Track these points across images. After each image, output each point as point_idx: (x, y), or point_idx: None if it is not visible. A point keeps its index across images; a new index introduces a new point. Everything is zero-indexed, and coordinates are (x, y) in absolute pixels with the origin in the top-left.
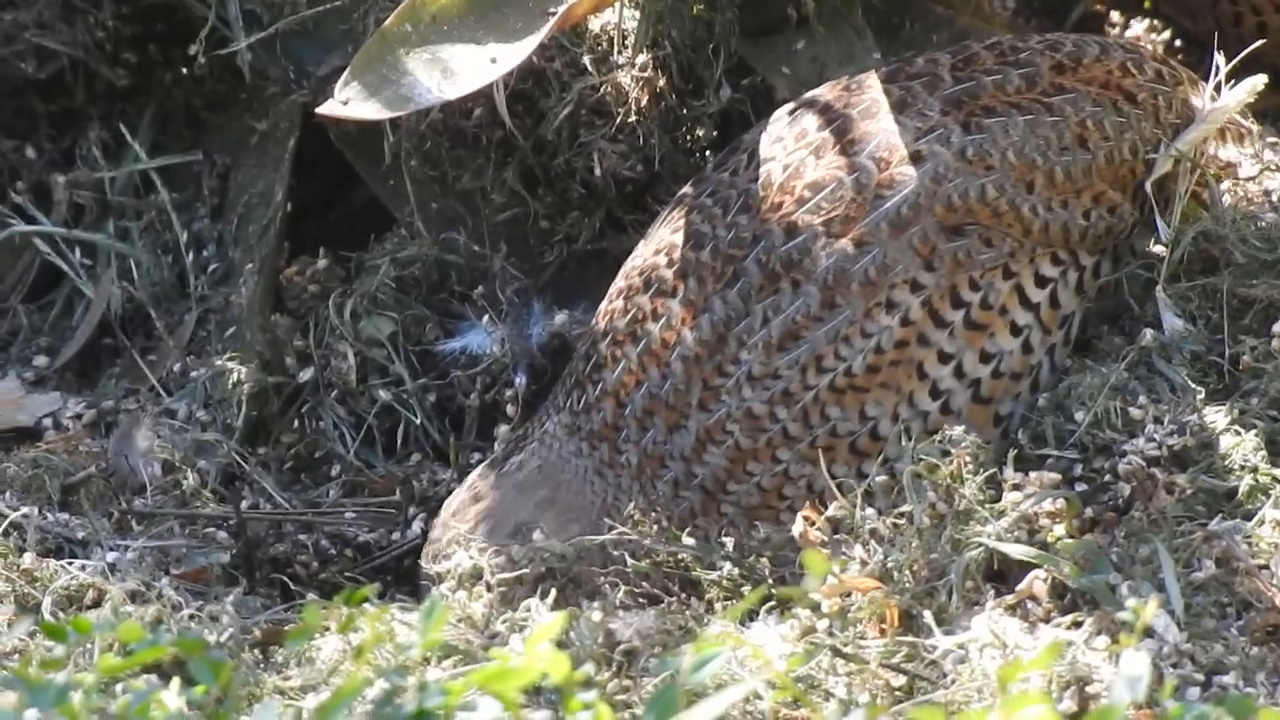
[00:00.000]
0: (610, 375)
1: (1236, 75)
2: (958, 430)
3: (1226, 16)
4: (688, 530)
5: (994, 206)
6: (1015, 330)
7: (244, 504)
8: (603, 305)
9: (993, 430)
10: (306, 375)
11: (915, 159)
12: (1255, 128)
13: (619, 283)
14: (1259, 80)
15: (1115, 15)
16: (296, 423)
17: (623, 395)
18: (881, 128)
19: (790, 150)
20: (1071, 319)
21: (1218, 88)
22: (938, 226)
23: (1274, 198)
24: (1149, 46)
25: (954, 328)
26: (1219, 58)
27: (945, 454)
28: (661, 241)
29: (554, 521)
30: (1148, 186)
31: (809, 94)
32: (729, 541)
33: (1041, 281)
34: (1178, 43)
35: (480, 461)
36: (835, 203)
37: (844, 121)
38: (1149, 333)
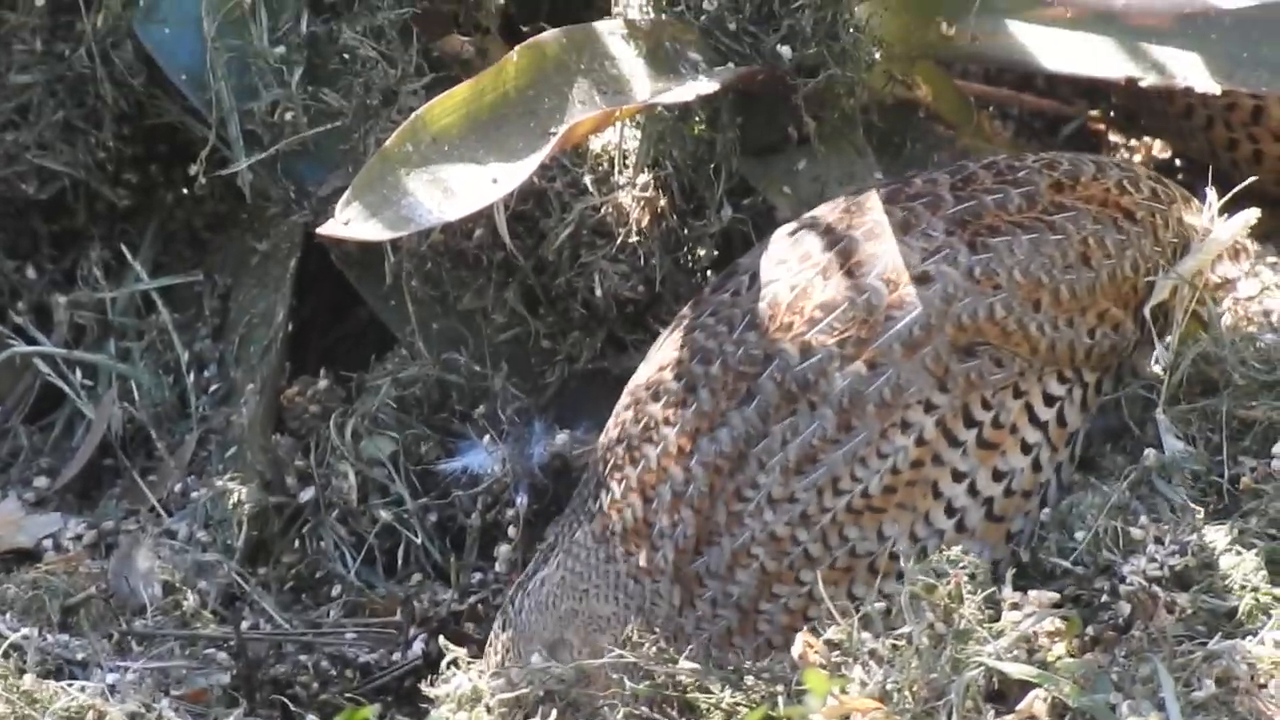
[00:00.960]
0: (633, 472)
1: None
2: (955, 550)
3: (1221, 141)
4: (725, 649)
5: (1002, 325)
6: (1025, 448)
7: (244, 624)
8: (610, 421)
9: (1005, 548)
10: (307, 495)
11: (923, 280)
12: (1253, 246)
13: (625, 399)
14: (1253, 214)
15: (1114, 136)
16: (297, 543)
17: (648, 491)
18: (887, 249)
19: (796, 271)
20: (1076, 436)
21: (1212, 220)
22: (949, 346)
23: (1273, 318)
24: (1144, 166)
25: (967, 447)
26: (1211, 193)
27: (943, 574)
28: (666, 358)
29: (580, 634)
30: (1146, 311)
31: (808, 214)
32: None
33: (1049, 400)
34: (1177, 161)
35: (481, 581)
36: (848, 324)
37: (848, 243)
38: (1151, 453)
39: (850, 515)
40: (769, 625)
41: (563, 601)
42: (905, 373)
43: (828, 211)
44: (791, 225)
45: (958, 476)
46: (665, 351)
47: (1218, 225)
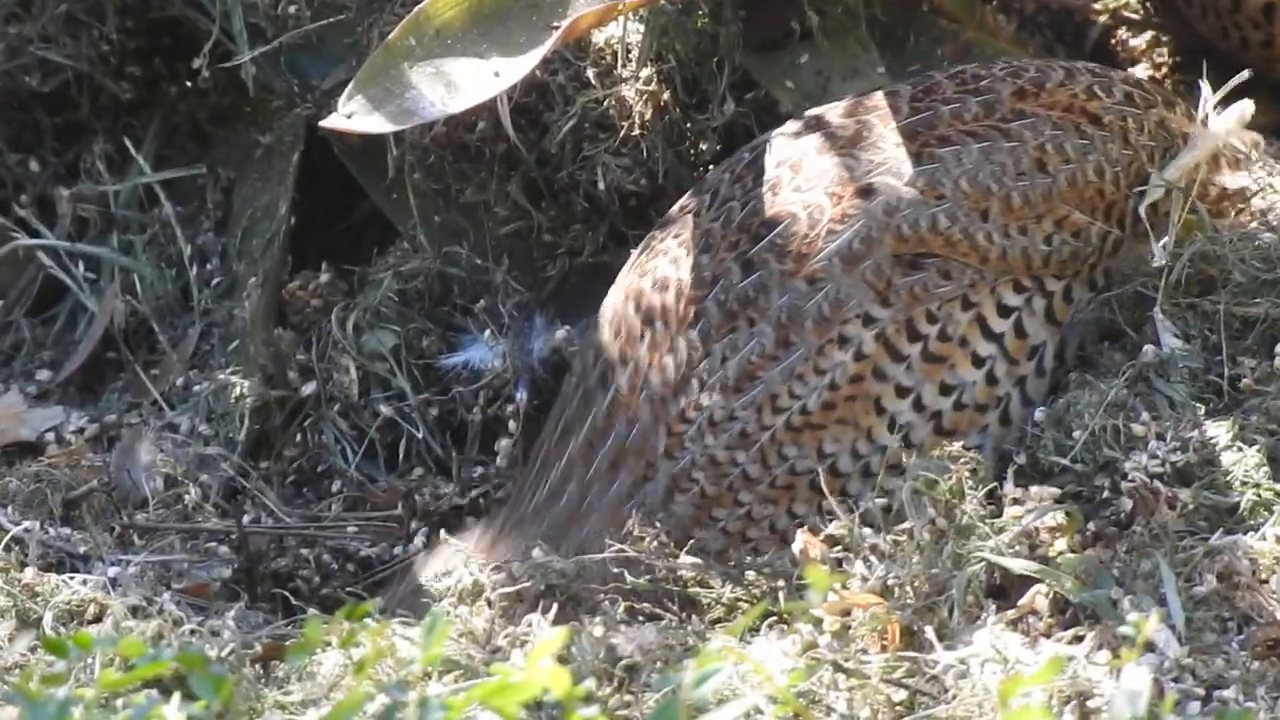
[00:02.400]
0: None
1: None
2: (957, 446)
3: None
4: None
5: (947, 235)
6: (977, 361)
7: (246, 518)
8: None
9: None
10: (309, 389)
11: (866, 193)
12: (1257, 141)
13: (605, 313)
14: (1248, 106)
15: (1122, 32)
16: (299, 437)
17: (595, 442)
18: (835, 162)
19: (749, 189)
20: (1043, 349)
21: (1206, 116)
22: (892, 259)
23: (1270, 217)
24: (1141, 70)
25: (911, 361)
26: (1206, 88)
27: (944, 470)
28: (630, 285)
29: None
30: (1141, 210)
31: (776, 130)
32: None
33: (1005, 311)
34: (1176, 59)
35: (482, 476)
36: (789, 239)
37: (799, 159)
38: (1149, 350)
39: (790, 433)
40: (699, 552)
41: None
42: (845, 287)
43: (791, 126)
44: (752, 143)
45: (902, 392)
46: (630, 277)
47: (1212, 120)
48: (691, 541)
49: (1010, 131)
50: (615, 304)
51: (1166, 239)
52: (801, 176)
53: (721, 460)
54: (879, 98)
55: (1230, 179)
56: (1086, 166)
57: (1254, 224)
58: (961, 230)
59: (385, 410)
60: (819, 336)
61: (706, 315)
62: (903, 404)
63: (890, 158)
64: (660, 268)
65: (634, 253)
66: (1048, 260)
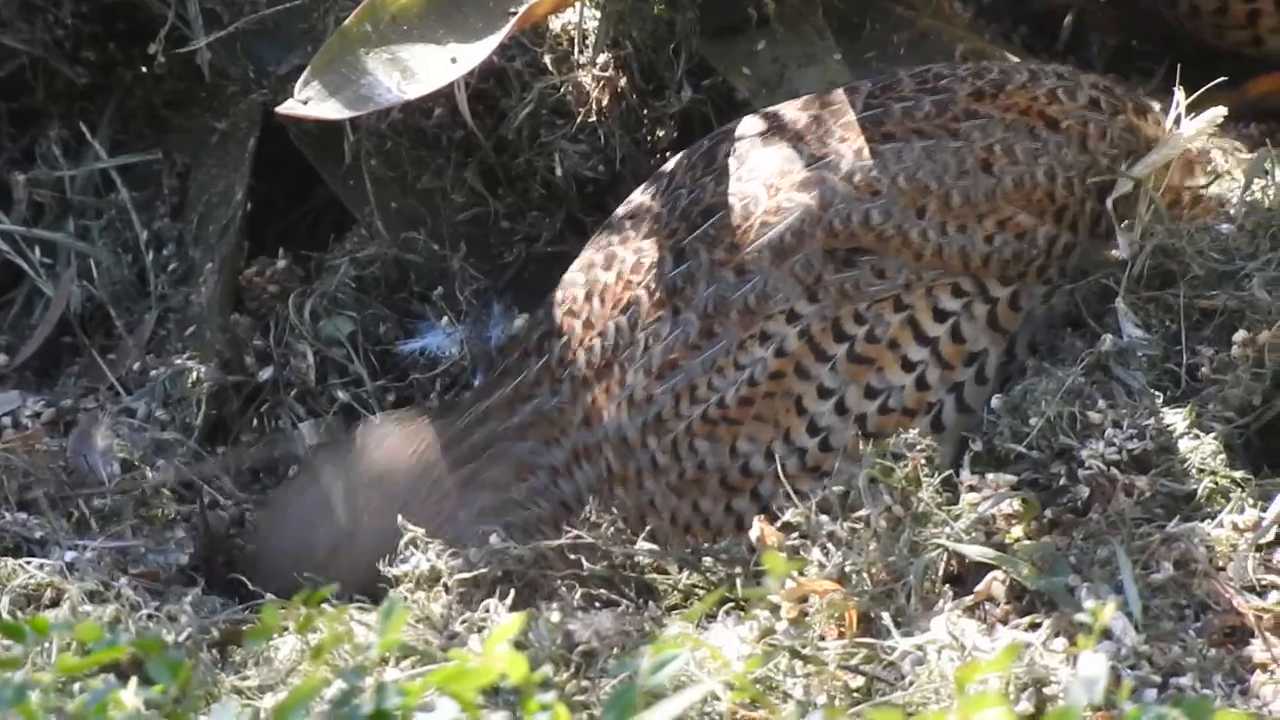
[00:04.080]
0: (508, 385)
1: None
2: (912, 433)
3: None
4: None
5: (878, 231)
6: (907, 365)
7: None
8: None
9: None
10: (266, 375)
11: (803, 186)
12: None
13: (564, 279)
14: (1219, 112)
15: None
16: (256, 422)
17: (516, 404)
18: (779, 155)
19: (697, 178)
20: (984, 356)
21: (1178, 119)
22: (823, 254)
23: (1229, 207)
24: (1099, 74)
25: (836, 362)
26: (1179, 92)
27: (900, 457)
28: (584, 259)
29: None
30: (1108, 204)
31: (730, 124)
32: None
33: (941, 315)
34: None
35: None
36: (723, 229)
37: (747, 150)
38: (1108, 338)
39: (705, 426)
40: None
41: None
42: (773, 280)
43: (750, 118)
44: (714, 132)
45: (824, 393)
46: (589, 250)
47: (1184, 124)
48: (648, 528)
49: (958, 131)
50: (572, 273)
51: (1131, 234)
52: (745, 167)
53: (632, 441)
54: (839, 94)
55: (1203, 182)
56: (1036, 169)
57: (1212, 216)
58: (895, 226)
59: (342, 396)
60: (742, 329)
61: (637, 303)
62: (824, 405)
63: (832, 152)
64: (613, 246)
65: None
66: (987, 260)
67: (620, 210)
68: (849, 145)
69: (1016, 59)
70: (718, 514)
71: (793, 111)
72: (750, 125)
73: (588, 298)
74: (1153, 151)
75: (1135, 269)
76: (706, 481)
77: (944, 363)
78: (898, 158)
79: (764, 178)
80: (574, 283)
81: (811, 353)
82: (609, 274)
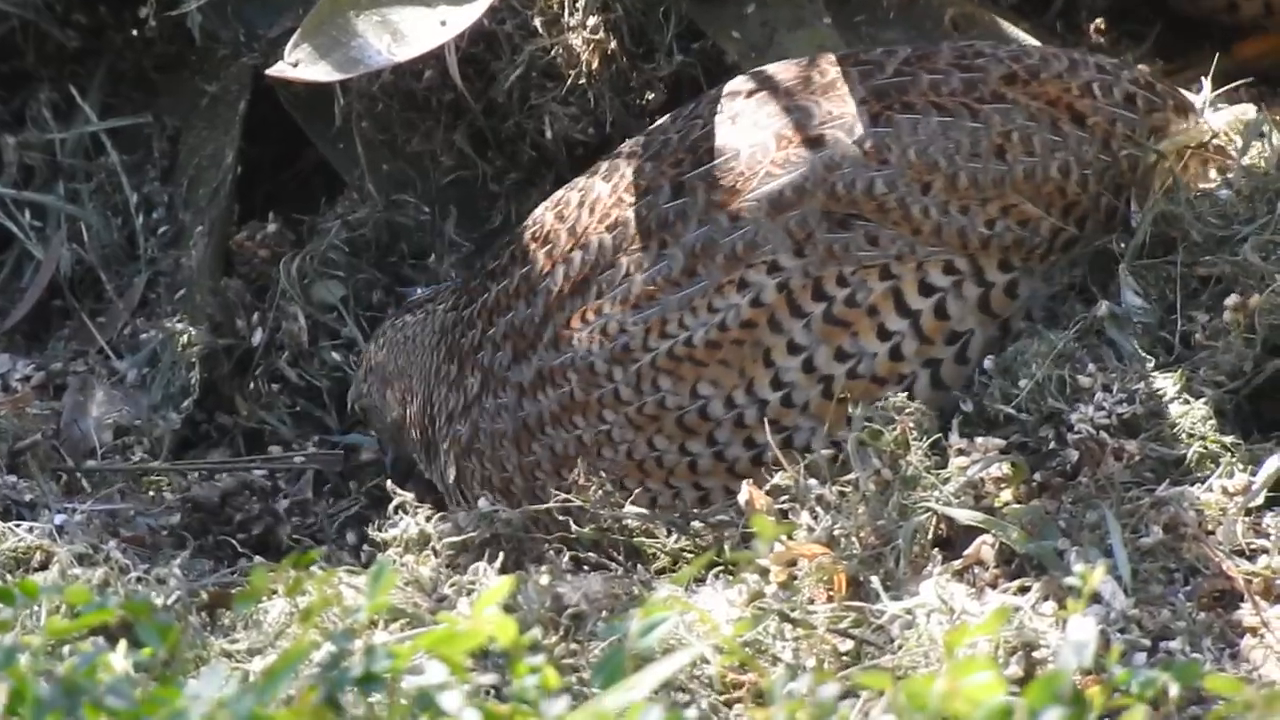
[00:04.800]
0: (493, 289)
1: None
2: (901, 397)
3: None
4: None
5: (880, 201)
6: (883, 334)
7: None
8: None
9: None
10: (258, 338)
11: (814, 143)
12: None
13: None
14: (1248, 109)
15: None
16: (251, 385)
17: (494, 316)
18: (796, 105)
19: (715, 113)
20: (969, 337)
21: (1204, 107)
22: (820, 214)
23: (1229, 175)
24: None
25: (811, 320)
26: (1206, 84)
27: (889, 420)
28: (557, 196)
29: (400, 388)
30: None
31: (767, 67)
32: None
33: (927, 290)
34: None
35: None
36: (726, 172)
37: (768, 95)
38: (1103, 304)
39: (670, 362)
40: (546, 450)
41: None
42: (764, 231)
43: (784, 65)
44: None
45: (794, 349)
46: (560, 191)
47: (1209, 115)
48: (637, 491)
49: (979, 112)
50: (538, 211)
51: (1145, 204)
52: (762, 112)
53: (599, 371)
54: (876, 53)
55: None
56: (1050, 163)
57: (1212, 180)
58: (897, 199)
59: (334, 358)
60: (724, 274)
61: (625, 224)
62: (792, 361)
63: (849, 113)
64: (590, 183)
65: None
66: (986, 243)
67: (600, 163)
68: (868, 109)
69: (1007, 24)
70: (672, 454)
71: (822, 63)
72: (784, 68)
73: (580, 204)
74: (1179, 132)
75: (1138, 238)
76: (664, 419)
77: (923, 336)
78: (912, 130)
79: (777, 127)
80: (572, 186)
81: (788, 307)
82: (605, 185)
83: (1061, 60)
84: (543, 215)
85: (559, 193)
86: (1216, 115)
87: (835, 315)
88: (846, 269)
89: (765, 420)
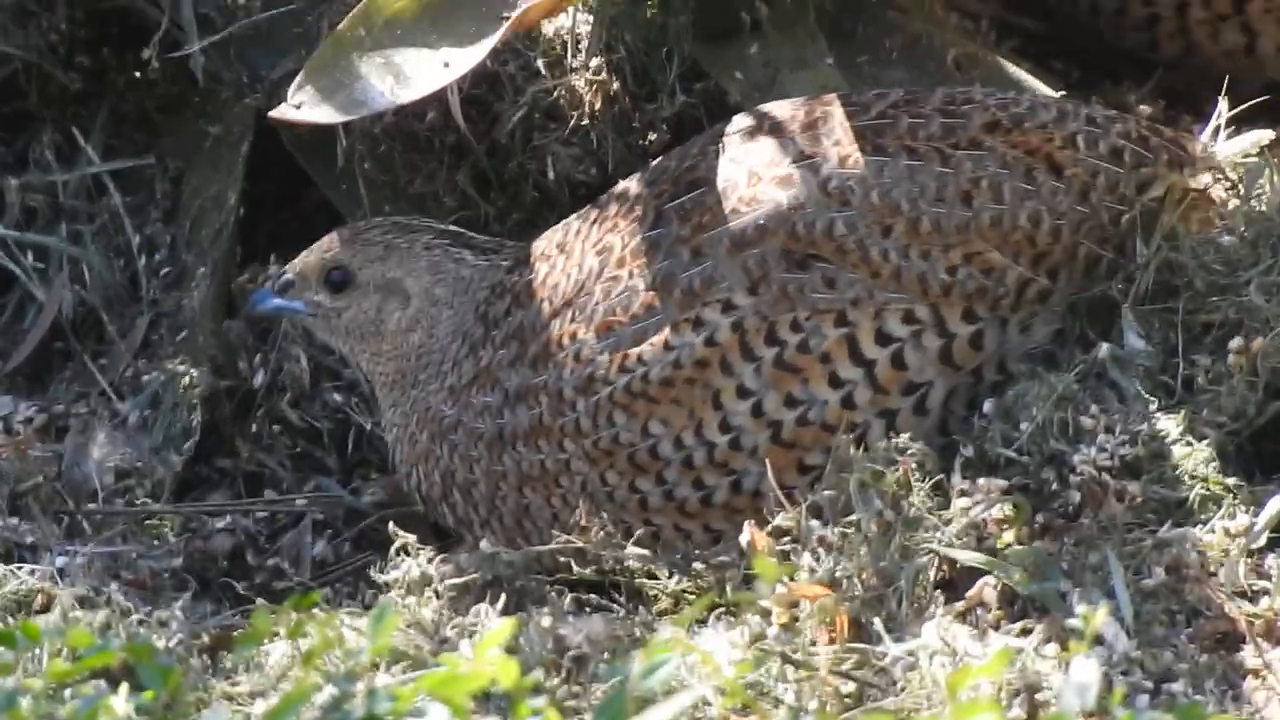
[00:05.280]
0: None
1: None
2: (903, 438)
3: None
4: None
5: (840, 243)
6: (835, 382)
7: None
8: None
9: (798, 477)
10: (259, 380)
11: (782, 182)
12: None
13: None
14: (1265, 135)
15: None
16: (252, 427)
17: (525, 316)
18: (772, 145)
19: (709, 147)
20: (928, 389)
21: (1215, 133)
22: (780, 253)
23: (1229, 219)
24: (1140, 121)
25: (762, 365)
26: (1222, 104)
27: (891, 462)
28: (610, 191)
29: (415, 316)
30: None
31: (768, 105)
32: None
33: (884, 339)
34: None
35: None
36: (697, 206)
37: (757, 132)
38: (1105, 346)
39: (626, 396)
40: (513, 465)
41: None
42: (724, 268)
43: (782, 104)
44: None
45: (743, 393)
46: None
47: (1222, 141)
48: (639, 533)
49: (951, 158)
50: (568, 219)
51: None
52: (744, 149)
53: (567, 397)
54: (869, 95)
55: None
56: (1020, 211)
57: (1215, 227)
58: (856, 240)
59: (337, 399)
60: (679, 310)
61: (609, 249)
62: (741, 405)
63: (820, 154)
64: (603, 201)
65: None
66: (948, 290)
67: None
68: (838, 150)
69: (1010, 65)
70: (623, 490)
71: (816, 105)
72: (777, 109)
73: (587, 220)
74: (1188, 166)
75: (1141, 284)
76: (617, 455)
77: (878, 386)
78: (878, 172)
79: (750, 163)
80: (597, 202)
81: (739, 349)
82: (611, 207)
83: (1050, 110)
84: (564, 223)
85: (591, 205)
86: (1230, 142)
87: (787, 361)
88: (801, 313)
89: (714, 463)
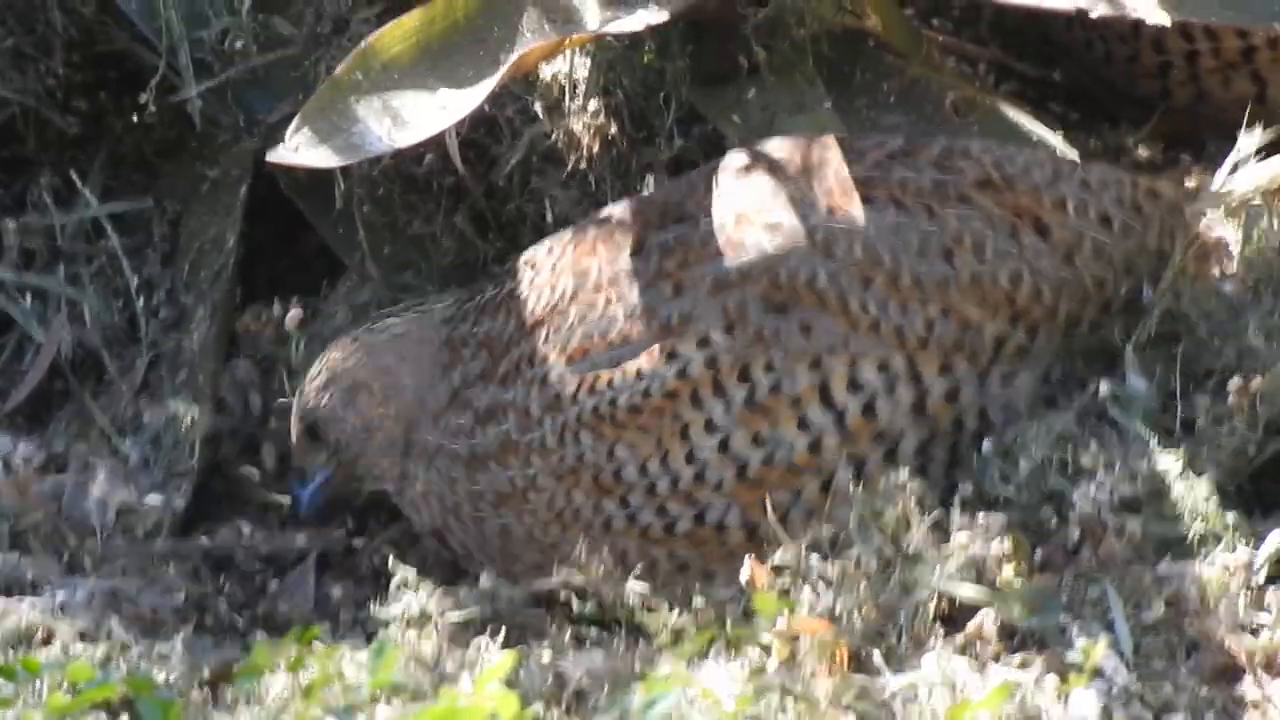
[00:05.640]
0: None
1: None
2: (903, 473)
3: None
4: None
5: (820, 293)
6: (804, 425)
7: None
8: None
9: (764, 515)
10: (264, 417)
11: (770, 229)
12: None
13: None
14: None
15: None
16: (256, 464)
17: (492, 329)
18: (765, 186)
19: (696, 183)
20: (901, 439)
21: (1235, 166)
22: (761, 299)
23: (1227, 264)
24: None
25: (731, 402)
26: (1244, 137)
27: (889, 499)
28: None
29: (380, 389)
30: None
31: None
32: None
33: (855, 386)
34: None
35: None
36: (681, 244)
37: (751, 171)
38: (1105, 383)
39: (594, 419)
40: (486, 481)
41: (387, 355)
42: (702, 307)
43: (781, 142)
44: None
45: (711, 428)
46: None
47: (1241, 171)
48: (639, 566)
49: (936, 214)
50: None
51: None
52: (735, 188)
53: (534, 414)
54: (869, 141)
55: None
56: (1001, 271)
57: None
58: (837, 292)
59: None
60: (654, 342)
61: (586, 274)
62: (708, 440)
63: (810, 201)
64: (586, 223)
65: None
66: (925, 343)
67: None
68: (828, 200)
69: (1008, 107)
70: (587, 510)
71: (813, 149)
72: (775, 148)
73: (568, 241)
74: (1201, 198)
75: (1144, 329)
76: (582, 474)
77: (847, 434)
78: (864, 224)
79: (738, 205)
80: (583, 222)
81: (711, 385)
82: (592, 230)
83: (1045, 170)
84: (547, 241)
85: (571, 228)
86: (1249, 172)
87: (757, 401)
88: (776, 355)
89: (678, 493)
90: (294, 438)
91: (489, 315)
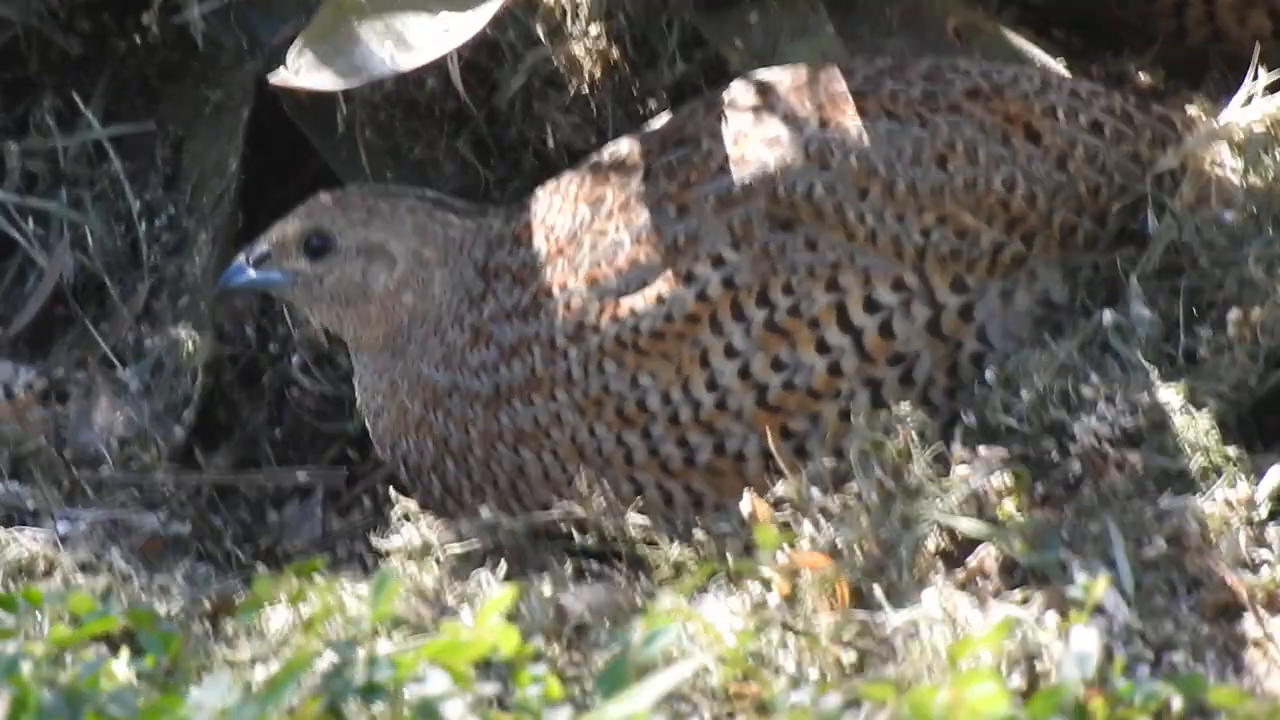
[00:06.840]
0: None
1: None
2: (904, 406)
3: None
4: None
5: (819, 205)
6: (822, 347)
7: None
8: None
9: (783, 442)
10: (264, 346)
11: (768, 144)
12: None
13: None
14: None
15: None
16: (253, 393)
17: (515, 248)
18: (765, 107)
19: (697, 109)
20: (915, 360)
21: (1250, 97)
22: (764, 215)
23: (1228, 194)
24: (1129, 97)
25: (751, 326)
26: (1259, 78)
27: (890, 431)
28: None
29: (402, 276)
30: (1148, 181)
31: (766, 71)
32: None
33: (872, 306)
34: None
35: None
36: (684, 165)
37: (751, 96)
38: (1108, 313)
39: (617, 347)
40: (509, 421)
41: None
42: (707, 226)
43: (779, 70)
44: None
45: (731, 353)
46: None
47: (1232, 111)
48: (639, 499)
49: (927, 121)
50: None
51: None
52: (734, 110)
53: (559, 345)
54: (855, 63)
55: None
56: (994, 176)
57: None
58: (834, 203)
59: (345, 364)
60: (666, 265)
61: (601, 200)
62: (728, 365)
63: (805, 118)
64: (603, 151)
65: None
66: (922, 253)
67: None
68: (822, 114)
69: (1010, 33)
70: (609, 443)
71: (805, 70)
72: (774, 74)
73: (585, 171)
74: (1205, 133)
75: (1148, 259)
76: (605, 406)
77: (865, 355)
78: (858, 135)
79: (740, 125)
80: (590, 157)
81: (730, 308)
82: (604, 162)
83: (1033, 80)
84: (561, 175)
85: (587, 160)
86: (1259, 104)
87: (777, 323)
88: (793, 277)
89: (699, 422)
90: (285, 226)
91: (524, 244)
